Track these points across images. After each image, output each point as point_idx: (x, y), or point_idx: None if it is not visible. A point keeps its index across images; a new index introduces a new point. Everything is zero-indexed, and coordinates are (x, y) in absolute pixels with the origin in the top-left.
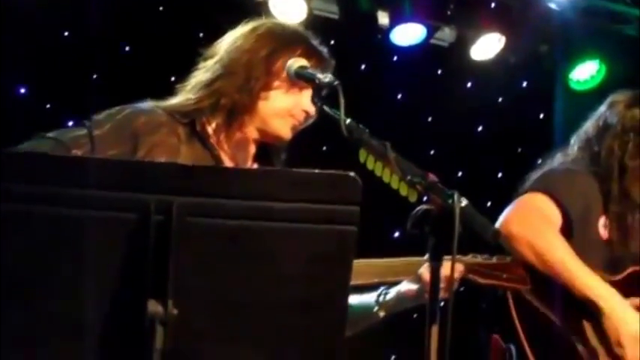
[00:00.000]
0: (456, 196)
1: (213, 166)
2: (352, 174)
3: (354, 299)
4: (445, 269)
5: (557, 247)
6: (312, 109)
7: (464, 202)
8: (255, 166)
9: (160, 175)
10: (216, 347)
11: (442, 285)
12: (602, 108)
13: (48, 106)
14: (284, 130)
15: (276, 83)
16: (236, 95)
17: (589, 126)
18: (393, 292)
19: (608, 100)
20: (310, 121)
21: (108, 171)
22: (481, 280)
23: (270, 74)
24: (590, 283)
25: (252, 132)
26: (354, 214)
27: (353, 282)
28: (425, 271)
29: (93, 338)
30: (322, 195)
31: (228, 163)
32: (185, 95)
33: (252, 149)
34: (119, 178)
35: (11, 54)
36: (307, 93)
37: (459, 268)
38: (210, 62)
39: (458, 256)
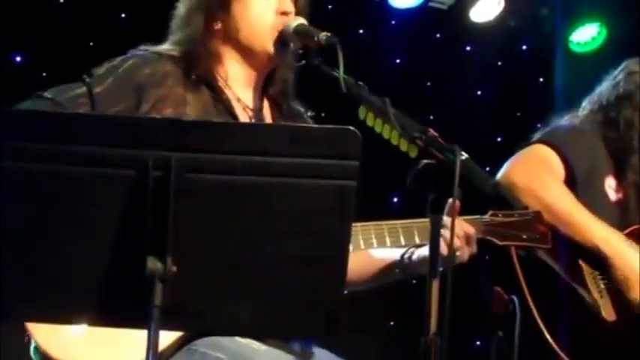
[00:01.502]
0: (456, 150)
1: (211, 121)
2: (351, 128)
3: (379, 253)
4: (460, 227)
5: (561, 195)
6: (290, 8)
7: (464, 155)
8: (266, 103)
9: (158, 131)
10: (215, 303)
11: (459, 244)
12: (619, 75)
13: (44, 74)
14: (269, 45)
15: None
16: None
17: (604, 91)
18: (416, 254)
19: (625, 66)
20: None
21: (106, 128)
22: (499, 242)
23: None
24: (594, 229)
25: (247, 59)
26: (354, 169)
27: (364, 247)
28: (447, 233)
29: (93, 295)
30: (322, 150)
31: (236, 105)
32: (175, 35)
33: (260, 84)
34: (117, 135)
35: (6, 22)
36: None
37: (470, 229)
38: None
39: (477, 217)
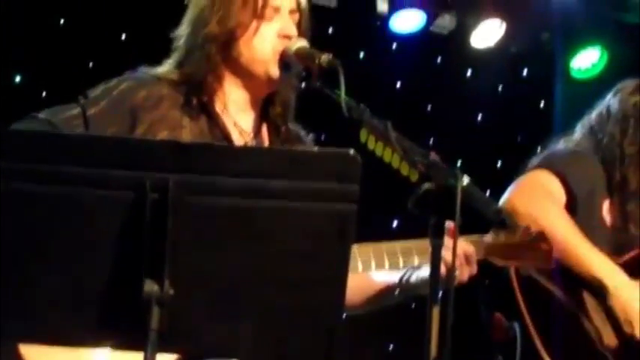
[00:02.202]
0: (458, 174)
1: (209, 143)
2: (352, 151)
3: (378, 275)
4: (461, 248)
5: (561, 224)
6: (293, 31)
7: (466, 180)
8: (265, 128)
9: (156, 152)
10: (213, 327)
11: (458, 263)
12: (609, 96)
13: (44, 94)
14: (272, 68)
15: (248, 16)
16: (217, 29)
17: (594, 114)
18: (414, 275)
19: (616, 88)
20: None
21: (103, 149)
22: (501, 262)
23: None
24: (594, 261)
25: (246, 84)
26: (354, 192)
27: (363, 269)
28: (447, 254)
29: (90, 317)
30: (321, 173)
31: (233, 129)
32: (175, 59)
33: (258, 108)
34: (115, 156)
35: (6, 42)
36: (279, 18)
37: (470, 249)
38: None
39: (478, 236)
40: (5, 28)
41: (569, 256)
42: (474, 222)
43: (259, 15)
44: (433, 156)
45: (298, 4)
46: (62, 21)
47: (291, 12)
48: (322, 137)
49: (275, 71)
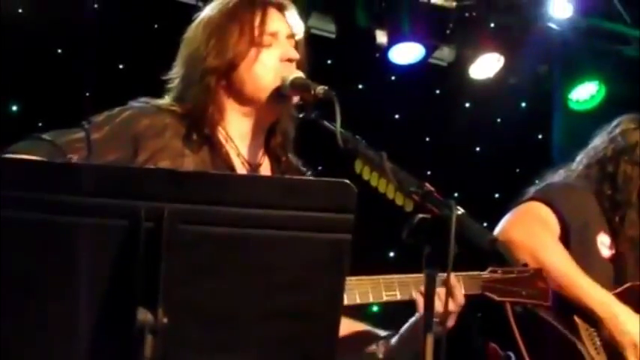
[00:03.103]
0: (452, 205)
1: (205, 172)
2: (347, 181)
3: (361, 326)
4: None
5: (556, 254)
6: (294, 55)
7: (460, 210)
8: (266, 158)
9: (151, 181)
10: (206, 357)
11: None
12: (615, 130)
13: (40, 123)
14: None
15: (246, 45)
16: (215, 62)
17: (599, 145)
18: (395, 338)
19: (620, 121)
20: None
21: (98, 177)
22: (497, 298)
23: (242, 36)
24: (591, 292)
25: (250, 113)
26: (349, 222)
27: (360, 301)
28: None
29: (83, 345)
30: (316, 202)
31: (236, 159)
32: (174, 94)
33: (261, 138)
34: (109, 185)
35: (3, 71)
36: (277, 43)
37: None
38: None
39: (476, 273)
40: (2, 57)
41: (567, 287)
42: (471, 257)
43: (257, 43)
44: (427, 186)
45: (293, 31)
46: (59, 51)
47: (288, 37)
48: (319, 168)
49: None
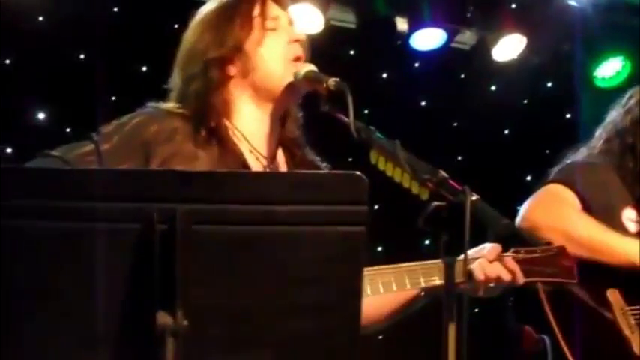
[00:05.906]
0: (466, 191)
1: (215, 171)
2: (358, 173)
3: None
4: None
5: (582, 223)
6: (300, 35)
7: (474, 196)
8: (281, 152)
9: (161, 182)
10: (229, 355)
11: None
12: (630, 101)
13: (68, 130)
14: (287, 76)
15: (248, 30)
16: (217, 53)
17: (616, 118)
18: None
19: (633, 93)
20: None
21: (108, 182)
22: (522, 280)
23: (243, 25)
24: (624, 244)
25: (263, 104)
26: (362, 214)
27: (384, 291)
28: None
29: (104, 352)
30: (328, 196)
31: (249, 156)
32: (174, 96)
33: (275, 132)
34: (120, 189)
35: (28, 79)
36: (281, 28)
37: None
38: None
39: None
40: (26, 66)
41: (599, 251)
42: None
43: (260, 27)
44: (442, 174)
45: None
46: (82, 56)
47: (289, 23)
48: (335, 161)
49: (290, 77)
